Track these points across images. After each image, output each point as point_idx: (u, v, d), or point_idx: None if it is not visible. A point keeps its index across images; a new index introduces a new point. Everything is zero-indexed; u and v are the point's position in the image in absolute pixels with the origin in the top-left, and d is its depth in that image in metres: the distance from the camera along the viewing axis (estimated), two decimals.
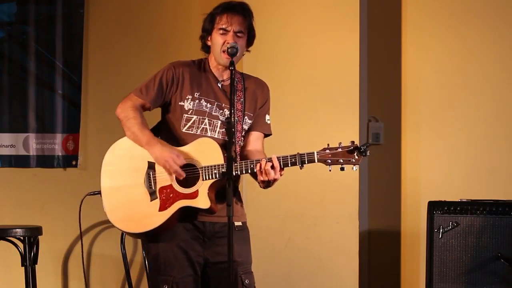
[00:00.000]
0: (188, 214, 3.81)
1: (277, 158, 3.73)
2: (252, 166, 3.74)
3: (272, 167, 3.71)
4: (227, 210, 3.52)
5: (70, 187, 5.78)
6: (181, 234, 3.83)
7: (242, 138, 3.96)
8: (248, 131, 3.98)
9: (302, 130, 5.45)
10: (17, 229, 5.15)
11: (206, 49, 3.97)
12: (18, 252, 5.17)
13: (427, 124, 5.67)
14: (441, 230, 5.05)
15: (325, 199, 5.52)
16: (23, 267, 5.20)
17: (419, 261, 5.55)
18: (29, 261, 5.19)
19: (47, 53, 5.74)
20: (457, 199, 5.12)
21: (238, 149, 3.88)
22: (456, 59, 5.68)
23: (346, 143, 3.73)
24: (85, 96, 5.80)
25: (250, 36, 3.93)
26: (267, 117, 4.02)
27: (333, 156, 3.69)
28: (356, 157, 3.68)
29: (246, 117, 3.94)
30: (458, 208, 5.06)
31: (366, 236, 5.79)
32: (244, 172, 3.76)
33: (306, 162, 3.72)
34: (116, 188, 3.87)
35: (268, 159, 3.73)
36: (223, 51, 3.85)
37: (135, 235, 3.99)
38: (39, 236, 5.28)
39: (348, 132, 5.43)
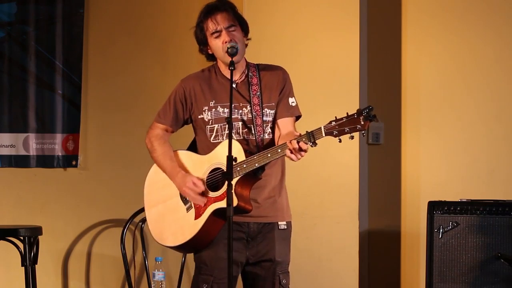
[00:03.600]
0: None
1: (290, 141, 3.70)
2: (279, 150, 3.70)
3: (300, 149, 3.68)
4: (227, 210, 3.53)
5: (70, 187, 5.78)
6: (225, 235, 3.82)
7: (269, 131, 3.93)
8: (275, 120, 3.95)
9: (302, 130, 5.44)
10: (17, 229, 5.15)
11: (211, 58, 3.99)
12: (18, 252, 5.17)
13: (427, 124, 5.67)
14: (441, 230, 5.05)
15: (325, 199, 5.52)
16: (23, 267, 5.20)
17: (419, 261, 5.55)
18: (29, 261, 5.19)
19: (47, 53, 5.74)
20: (457, 199, 5.12)
21: (260, 143, 3.88)
22: (456, 59, 5.68)
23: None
24: (85, 96, 5.80)
25: (242, 25, 3.93)
26: (291, 100, 3.98)
27: (340, 127, 3.64)
28: (362, 122, 3.60)
29: (265, 109, 3.92)
30: (458, 208, 5.06)
31: (366, 236, 5.79)
32: (272, 159, 3.73)
33: (315, 139, 3.68)
34: (155, 205, 3.99)
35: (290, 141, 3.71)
36: (226, 52, 3.85)
37: (179, 248, 3.98)
38: (39, 236, 5.28)
39: None
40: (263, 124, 3.91)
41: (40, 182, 5.75)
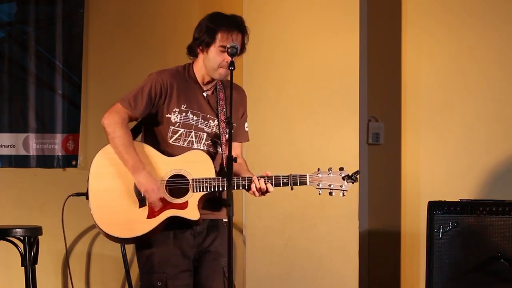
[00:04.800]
0: (175, 223, 3.82)
1: (269, 177, 3.78)
2: (244, 183, 3.79)
3: (266, 190, 3.80)
4: (227, 210, 3.54)
5: (70, 187, 5.76)
6: (173, 233, 3.85)
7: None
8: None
9: (302, 130, 5.45)
10: (17, 229, 5.15)
11: (195, 55, 3.94)
12: (18, 252, 5.17)
13: (427, 124, 5.67)
14: (441, 230, 5.05)
15: (325, 199, 5.48)
16: (23, 267, 5.20)
17: (419, 261, 5.55)
18: (29, 261, 5.19)
19: (47, 53, 5.74)
20: (457, 199, 5.12)
21: (225, 161, 3.85)
22: (456, 60, 5.68)
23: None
24: (85, 96, 5.80)
25: (242, 51, 3.90)
26: (246, 124, 4.04)
27: (324, 180, 3.82)
28: (346, 183, 3.81)
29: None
30: (458, 208, 5.06)
31: (366, 236, 5.79)
32: (235, 188, 3.77)
33: (298, 184, 3.83)
34: (105, 191, 3.86)
35: (260, 176, 3.78)
36: (221, 67, 3.83)
37: (119, 240, 3.92)
38: (39, 236, 5.28)
39: (348, 132, 5.43)
40: (226, 142, 3.89)
41: (40, 182, 5.75)
